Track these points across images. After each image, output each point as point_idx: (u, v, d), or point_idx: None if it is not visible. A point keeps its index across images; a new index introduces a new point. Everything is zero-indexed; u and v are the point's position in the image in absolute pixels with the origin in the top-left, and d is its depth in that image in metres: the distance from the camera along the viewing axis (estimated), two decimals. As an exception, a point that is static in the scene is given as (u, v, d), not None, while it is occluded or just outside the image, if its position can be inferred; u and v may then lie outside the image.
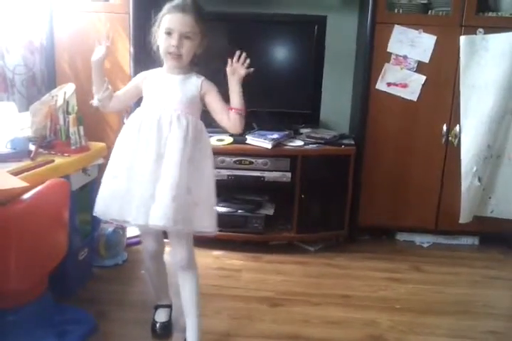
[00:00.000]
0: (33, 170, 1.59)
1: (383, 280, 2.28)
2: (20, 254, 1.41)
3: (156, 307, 1.87)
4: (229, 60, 1.58)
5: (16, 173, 1.51)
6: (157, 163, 1.53)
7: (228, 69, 1.58)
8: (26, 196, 1.42)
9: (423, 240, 2.75)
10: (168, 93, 1.60)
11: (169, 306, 1.87)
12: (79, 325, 1.74)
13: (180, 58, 1.56)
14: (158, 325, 1.79)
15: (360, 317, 1.95)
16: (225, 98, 1.62)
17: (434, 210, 2.64)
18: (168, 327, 1.81)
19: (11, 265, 1.39)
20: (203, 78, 1.63)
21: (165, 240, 1.74)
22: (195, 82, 1.61)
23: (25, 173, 1.54)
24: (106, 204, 1.59)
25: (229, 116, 1.61)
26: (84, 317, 1.79)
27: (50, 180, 1.57)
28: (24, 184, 1.39)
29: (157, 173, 1.53)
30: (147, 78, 1.65)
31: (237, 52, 1.57)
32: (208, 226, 1.61)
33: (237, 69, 1.57)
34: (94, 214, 1.64)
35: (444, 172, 2.58)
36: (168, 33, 1.54)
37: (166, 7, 1.56)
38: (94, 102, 1.64)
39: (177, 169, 1.52)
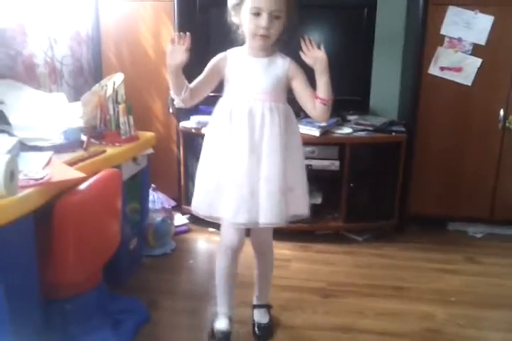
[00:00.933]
0: (87, 161, 1.60)
1: (435, 272, 2.21)
2: (78, 245, 1.42)
3: (218, 316, 1.74)
4: (301, 52, 1.48)
5: (71, 164, 1.52)
6: (252, 157, 1.47)
7: (307, 59, 1.48)
8: (82, 186, 1.43)
9: (476, 230, 2.65)
10: (255, 80, 1.51)
11: (230, 317, 1.73)
12: (132, 315, 1.76)
13: (268, 39, 1.46)
14: (219, 335, 1.68)
15: (414, 310, 1.90)
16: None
17: (488, 199, 2.54)
18: (228, 337, 1.69)
19: (69, 256, 1.40)
20: (289, 60, 1.54)
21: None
22: (282, 65, 1.52)
23: (80, 164, 1.55)
24: (198, 201, 1.57)
25: (315, 105, 1.52)
26: (137, 307, 1.81)
27: (103, 170, 1.58)
28: (81, 174, 1.40)
29: (253, 168, 1.48)
30: (228, 61, 1.53)
31: (304, 39, 1.48)
32: (303, 210, 1.62)
33: (315, 55, 1.47)
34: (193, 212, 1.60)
35: (500, 159, 2.47)
36: (256, 14, 1.42)
37: None
38: (177, 104, 1.56)
39: (279, 165, 1.48)
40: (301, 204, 1.61)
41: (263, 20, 1.41)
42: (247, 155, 1.47)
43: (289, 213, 1.57)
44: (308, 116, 2.23)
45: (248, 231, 1.67)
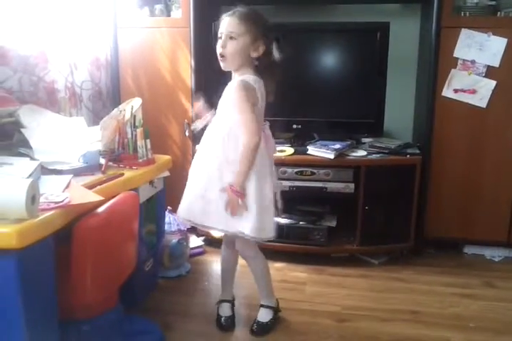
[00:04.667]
0: (105, 184, 1.62)
1: (453, 296, 2.17)
2: (96, 267, 1.43)
3: (220, 302, 1.96)
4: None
5: (90, 187, 1.55)
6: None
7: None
8: (101, 209, 1.45)
9: (494, 254, 2.60)
10: (220, 101, 1.72)
11: (231, 301, 1.96)
12: (147, 336, 1.77)
13: (225, 59, 1.64)
14: (223, 319, 1.90)
15: (431, 335, 1.86)
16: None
17: (506, 222, 2.50)
18: (232, 320, 1.91)
19: (87, 278, 1.42)
20: (237, 81, 1.63)
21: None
22: (231, 86, 1.66)
23: (98, 187, 1.58)
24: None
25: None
26: (152, 329, 1.80)
27: (122, 193, 1.60)
28: (100, 198, 1.43)
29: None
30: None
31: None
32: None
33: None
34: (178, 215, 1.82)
35: (517, 181, 2.45)
36: (219, 38, 1.65)
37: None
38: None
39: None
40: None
41: (220, 40, 1.64)
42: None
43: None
44: (323, 139, 2.29)
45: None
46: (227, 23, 1.63)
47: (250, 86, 1.61)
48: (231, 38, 1.62)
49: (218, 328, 1.88)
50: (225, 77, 1.76)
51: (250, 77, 1.64)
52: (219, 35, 1.65)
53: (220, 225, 1.70)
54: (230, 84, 1.69)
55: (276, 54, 1.66)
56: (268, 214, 1.68)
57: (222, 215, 1.66)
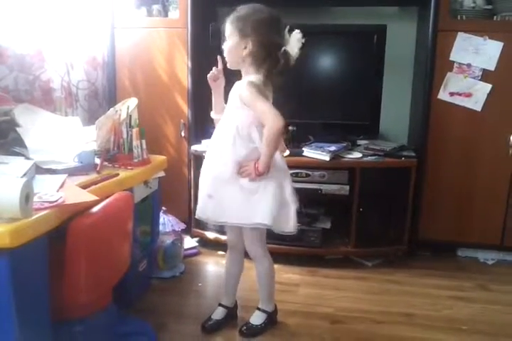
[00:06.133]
0: (100, 184, 1.62)
1: (447, 299, 2.18)
2: (90, 267, 1.43)
3: (218, 305, 1.95)
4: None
5: (84, 187, 1.54)
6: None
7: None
8: (95, 209, 1.45)
9: (487, 257, 2.61)
10: (228, 102, 1.74)
11: (228, 308, 1.94)
12: (140, 337, 1.76)
13: (225, 59, 1.70)
14: (209, 322, 1.90)
15: (426, 338, 1.87)
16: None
17: (499, 225, 2.51)
18: (218, 325, 1.90)
19: (81, 278, 1.41)
20: (244, 82, 1.65)
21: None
22: (239, 86, 1.67)
23: (93, 186, 1.57)
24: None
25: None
26: (146, 329, 1.79)
27: (116, 193, 1.60)
28: (94, 198, 1.42)
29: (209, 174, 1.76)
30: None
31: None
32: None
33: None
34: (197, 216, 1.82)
35: (511, 185, 2.45)
36: None
37: None
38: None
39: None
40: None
41: None
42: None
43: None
44: (318, 141, 2.31)
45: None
46: (225, 28, 1.68)
47: (257, 85, 1.63)
48: (225, 40, 1.68)
49: (201, 329, 1.88)
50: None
51: (255, 78, 1.65)
52: None
53: (235, 219, 1.70)
54: (236, 83, 1.69)
55: (291, 46, 1.65)
56: (286, 207, 1.72)
57: (239, 209, 1.68)
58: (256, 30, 1.61)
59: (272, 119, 1.58)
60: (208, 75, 1.77)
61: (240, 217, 1.69)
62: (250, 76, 1.66)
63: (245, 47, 1.63)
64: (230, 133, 1.67)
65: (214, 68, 1.77)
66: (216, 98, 1.82)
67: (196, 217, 1.81)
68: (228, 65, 1.73)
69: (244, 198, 1.67)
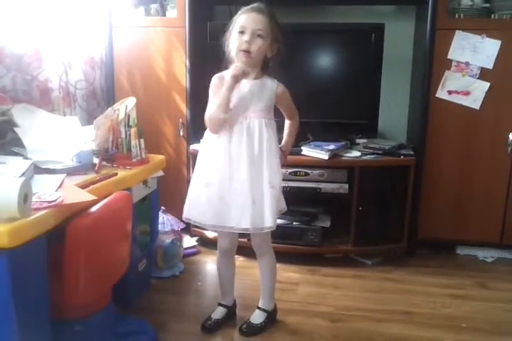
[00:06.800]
0: (99, 183, 1.62)
1: (446, 297, 2.18)
2: (89, 267, 1.43)
3: (218, 304, 1.96)
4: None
5: (83, 186, 1.54)
6: (251, 169, 1.66)
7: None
8: (94, 209, 1.45)
9: (486, 255, 2.61)
10: (252, 100, 1.69)
11: (227, 307, 1.94)
12: (140, 336, 1.76)
13: (249, 55, 1.63)
14: (209, 322, 1.90)
15: (424, 336, 1.87)
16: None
17: (499, 223, 2.51)
18: (217, 324, 1.90)
19: (80, 277, 1.41)
20: (276, 82, 1.73)
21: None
22: (271, 87, 1.72)
23: (92, 186, 1.57)
24: (201, 211, 1.72)
25: (289, 126, 1.88)
26: (146, 329, 1.80)
27: (115, 193, 1.60)
28: (93, 197, 1.42)
29: (252, 179, 1.66)
30: (224, 82, 1.65)
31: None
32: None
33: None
34: (184, 219, 1.80)
35: (509, 183, 2.45)
36: (241, 32, 1.62)
37: (242, 10, 1.66)
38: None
39: (269, 172, 1.68)
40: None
41: (246, 35, 1.61)
42: (247, 169, 1.66)
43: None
44: (317, 139, 2.33)
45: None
46: (256, 20, 1.60)
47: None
48: (259, 35, 1.61)
49: (201, 328, 1.88)
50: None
51: (272, 78, 1.74)
52: (240, 29, 1.61)
53: (243, 224, 1.67)
54: (258, 83, 1.71)
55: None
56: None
57: (245, 215, 1.66)
58: (281, 37, 1.68)
59: (297, 118, 1.87)
60: (237, 73, 1.62)
61: (248, 222, 1.67)
62: (265, 76, 1.73)
63: (271, 50, 1.68)
64: (267, 132, 1.70)
65: (242, 68, 1.64)
66: (230, 98, 1.65)
67: (192, 221, 1.78)
68: (249, 62, 1.65)
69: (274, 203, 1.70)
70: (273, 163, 1.71)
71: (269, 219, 1.67)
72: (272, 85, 1.72)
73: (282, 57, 1.72)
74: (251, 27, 1.60)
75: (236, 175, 1.66)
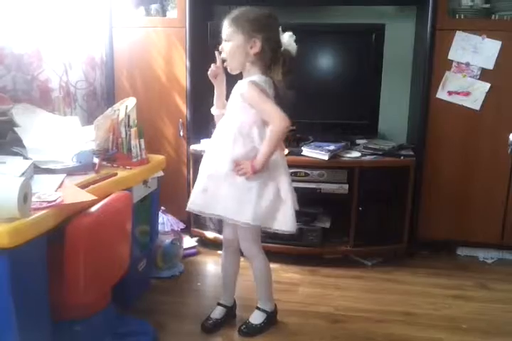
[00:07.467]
0: (99, 183, 1.62)
1: (446, 298, 2.17)
2: (89, 267, 1.43)
3: (217, 304, 1.95)
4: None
5: (83, 186, 1.54)
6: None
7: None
8: (94, 209, 1.45)
9: (487, 255, 2.61)
10: (230, 101, 1.73)
11: (226, 307, 1.94)
12: (140, 337, 1.75)
13: (226, 62, 1.69)
14: (209, 322, 1.89)
15: (424, 337, 1.86)
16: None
17: (499, 224, 2.51)
18: (217, 324, 1.89)
19: (80, 277, 1.41)
20: (247, 82, 1.65)
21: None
22: (241, 86, 1.67)
23: (92, 186, 1.57)
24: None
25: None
26: (145, 329, 1.80)
27: (115, 193, 1.60)
28: (93, 197, 1.42)
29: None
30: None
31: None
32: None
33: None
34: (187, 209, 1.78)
35: (510, 183, 2.45)
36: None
37: None
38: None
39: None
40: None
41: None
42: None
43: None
44: (317, 140, 2.30)
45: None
46: (222, 27, 1.67)
47: (259, 85, 1.64)
48: (225, 40, 1.66)
49: (201, 328, 1.87)
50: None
51: (258, 78, 1.66)
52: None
53: (228, 214, 1.69)
54: (238, 83, 1.69)
55: (287, 45, 1.68)
56: (283, 205, 1.72)
57: (232, 206, 1.67)
58: (263, 27, 1.63)
59: (279, 119, 1.61)
60: (208, 72, 1.76)
61: (232, 213, 1.68)
62: (252, 76, 1.67)
63: (251, 47, 1.63)
64: (231, 131, 1.67)
65: (212, 65, 1.75)
66: (218, 94, 1.79)
67: (188, 209, 1.77)
68: (230, 69, 1.70)
69: (237, 196, 1.67)
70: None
71: (248, 215, 1.64)
72: (241, 85, 1.67)
73: (278, 46, 1.67)
74: (222, 35, 1.67)
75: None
